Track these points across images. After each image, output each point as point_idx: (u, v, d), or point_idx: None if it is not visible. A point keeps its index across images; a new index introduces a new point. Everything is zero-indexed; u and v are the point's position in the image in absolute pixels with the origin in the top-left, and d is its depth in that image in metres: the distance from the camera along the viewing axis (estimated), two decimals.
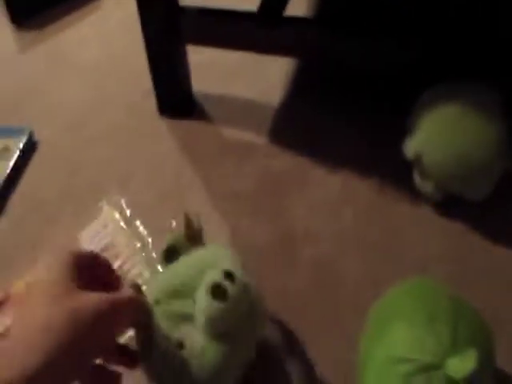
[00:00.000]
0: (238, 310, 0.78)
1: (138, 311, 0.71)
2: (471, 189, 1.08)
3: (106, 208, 1.12)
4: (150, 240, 1.06)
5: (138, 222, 1.09)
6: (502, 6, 1.25)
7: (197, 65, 1.35)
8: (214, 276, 0.77)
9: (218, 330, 0.78)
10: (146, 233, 1.08)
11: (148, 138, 1.31)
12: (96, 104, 1.42)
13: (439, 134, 1.06)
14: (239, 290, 0.78)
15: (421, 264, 1.03)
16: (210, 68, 1.45)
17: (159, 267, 0.98)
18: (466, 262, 1.04)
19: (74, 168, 1.25)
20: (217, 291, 0.76)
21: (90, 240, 1.06)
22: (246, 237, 1.09)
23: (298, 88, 1.41)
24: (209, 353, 0.77)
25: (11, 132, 1.32)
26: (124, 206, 1.13)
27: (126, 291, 0.71)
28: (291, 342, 0.94)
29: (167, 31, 1.22)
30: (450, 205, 1.11)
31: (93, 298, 0.65)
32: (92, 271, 0.72)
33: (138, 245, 1.05)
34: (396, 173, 1.16)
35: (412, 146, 1.08)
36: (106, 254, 0.97)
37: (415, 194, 1.13)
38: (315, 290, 1.01)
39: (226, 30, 1.23)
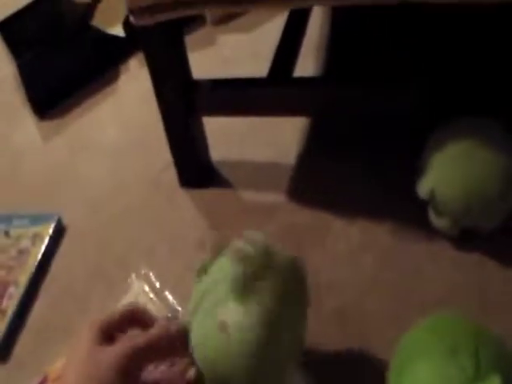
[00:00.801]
0: (262, 271, 0.82)
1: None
2: (485, 221, 1.10)
3: (135, 283, 1.15)
4: (179, 309, 1.09)
5: (167, 293, 1.12)
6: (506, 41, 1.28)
7: (213, 132, 1.39)
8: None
9: (247, 291, 0.81)
10: (175, 302, 1.10)
11: (170, 209, 1.35)
12: (118, 182, 1.46)
13: (451, 171, 1.09)
14: (262, 252, 0.83)
15: (441, 299, 1.04)
16: (226, 134, 1.48)
17: None
18: (485, 292, 1.05)
19: (102, 247, 1.29)
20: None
21: None
22: None
23: (313, 144, 1.44)
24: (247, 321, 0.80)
25: (41, 219, 1.36)
26: (153, 278, 1.16)
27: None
28: None
29: (182, 105, 1.26)
30: (466, 238, 1.12)
31: (113, 353, 0.69)
32: (131, 326, 0.77)
33: (169, 315, 1.08)
34: (412, 213, 1.18)
35: (425, 185, 1.11)
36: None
37: (431, 232, 1.15)
38: (342, 336, 1.03)
39: (239, 98, 1.27)
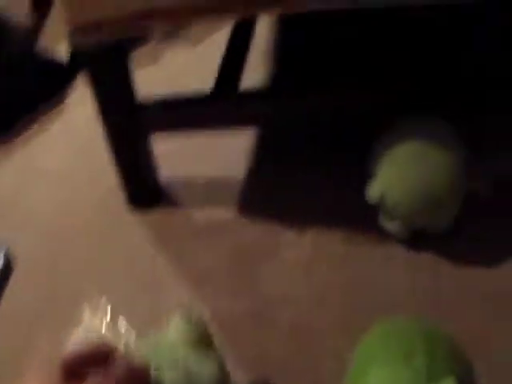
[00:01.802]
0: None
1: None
2: (435, 221, 1.10)
3: (87, 311, 1.12)
4: (133, 334, 1.06)
5: (120, 318, 1.09)
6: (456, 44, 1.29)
7: (160, 151, 1.37)
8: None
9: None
10: (128, 328, 1.08)
11: (120, 232, 1.33)
12: (67, 208, 1.44)
13: (399, 173, 1.09)
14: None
15: (395, 303, 1.04)
16: (174, 152, 1.46)
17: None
18: (439, 293, 1.05)
19: (52, 276, 1.27)
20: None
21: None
22: (225, 314, 1.10)
23: (261, 157, 1.43)
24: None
25: None
26: (105, 305, 1.13)
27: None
28: None
29: (128, 125, 1.25)
30: (417, 240, 1.12)
31: None
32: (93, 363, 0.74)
33: (124, 342, 1.05)
34: (363, 219, 1.17)
35: (374, 189, 1.10)
36: None
37: (383, 236, 1.14)
38: (295, 350, 1.02)
39: (185, 116, 1.26)
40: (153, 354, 0.86)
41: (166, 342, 0.87)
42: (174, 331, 0.87)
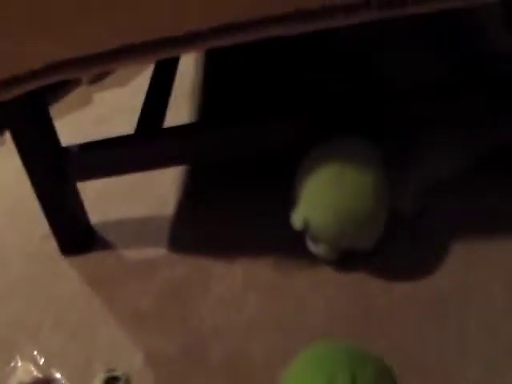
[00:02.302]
0: None
1: None
2: (361, 240, 1.11)
3: (19, 364, 1.11)
4: None
5: (52, 370, 1.08)
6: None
7: (89, 194, 1.38)
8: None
9: None
10: (61, 377, 1.06)
11: (53, 279, 1.31)
12: None
13: (321, 196, 1.09)
14: None
15: (326, 327, 1.04)
16: (103, 195, 1.47)
17: None
18: (368, 310, 1.05)
19: None
20: None
21: None
22: (158, 352, 1.08)
23: (190, 192, 1.44)
24: None
25: None
26: (38, 356, 1.11)
27: None
28: None
29: (53, 172, 1.24)
30: (345, 260, 1.13)
31: None
32: None
33: None
34: (292, 245, 1.18)
35: (298, 215, 1.10)
36: None
37: (312, 261, 1.15)
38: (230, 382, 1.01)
39: (109, 159, 1.25)
40: None
41: None
42: None
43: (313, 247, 1.13)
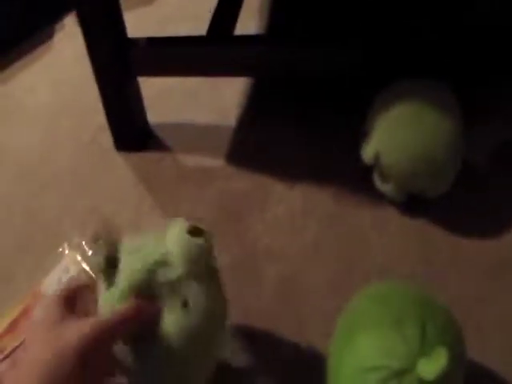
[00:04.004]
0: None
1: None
2: (432, 186, 1.07)
3: (66, 252, 1.09)
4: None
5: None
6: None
7: (150, 93, 1.34)
8: (178, 227, 0.78)
9: (200, 268, 0.78)
10: None
11: (105, 174, 1.29)
12: (50, 147, 1.39)
13: (396, 134, 1.05)
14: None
15: (386, 267, 1.02)
16: (165, 97, 1.44)
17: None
18: (431, 259, 1.03)
19: (32, 216, 1.23)
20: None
21: (52, 287, 1.04)
22: None
23: (253, 107, 1.40)
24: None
25: None
26: (85, 247, 1.10)
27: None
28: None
29: (117, 64, 1.20)
30: (411, 204, 1.10)
31: (76, 331, 0.67)
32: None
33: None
34: (356, 178, 1.15)
35: (370, 149, 1.07)
36: None
37: (376, 198, 1.12)
38: (280, 306, 0.99)
39: (177, 57, 1.21)
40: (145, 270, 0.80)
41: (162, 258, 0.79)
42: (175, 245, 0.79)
43: (380, 185, 1.10)
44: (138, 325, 0.74)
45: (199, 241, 0.77)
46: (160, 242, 0.79)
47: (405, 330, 0.74)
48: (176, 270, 0.76)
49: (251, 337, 0.93)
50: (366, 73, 1.13)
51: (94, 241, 0.80)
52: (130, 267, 0.77)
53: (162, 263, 0.77)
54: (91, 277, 1.01)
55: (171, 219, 0.81)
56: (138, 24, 1.23)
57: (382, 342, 0.74)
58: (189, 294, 0.76)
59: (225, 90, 1.44)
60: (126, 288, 0.75)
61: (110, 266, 0.78)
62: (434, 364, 0.69)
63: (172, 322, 0.75)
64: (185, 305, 0.76)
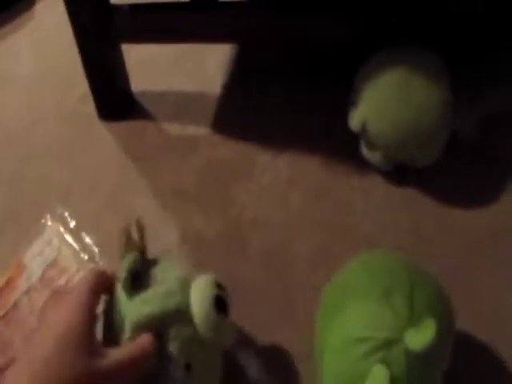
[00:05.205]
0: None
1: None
2: (420, 155, 1.06)
3: (49, 224, 1.08)
4: (96, 250, 1.02)
5: (83, 233, 1.05)
6: None
7: (133, 61, 1.32)
8: (206, 288, 0.78)
9: (221, 341, 0.79)
10: (92, 243, 1.04)
11: (88, 143, 1.27)
12: (33, 116, 1.37)
13: (384, 102, 1.04)
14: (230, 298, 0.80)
15: (375, 236, 1.01)
16: (148, 64, 1.41)
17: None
18: (419, 228, 1.02)
19: (14, 186, 1.22)
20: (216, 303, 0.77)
21: (35, 258, 1.02)
22: (195, 232, 1.07)
23: (239, 75, 1.37)
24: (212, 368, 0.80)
25: None
26: (68, 218, 1.09)
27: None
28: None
29: (99, 31, 1.18)
30: (399, 173, 1.09)
31: (113, 361, 0.66)
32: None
33: (86, 257, 1.01)
34: (344, 147, 1.14)
35: (357, 117, 1.06)
36: (52, 271, 0.95)
37: (363, 167, 1.11)
38: (267, 277, 0.99)
39: (160, 23, 1.19)
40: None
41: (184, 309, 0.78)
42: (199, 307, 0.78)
43: (367, 153, 1.09)
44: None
45: (223, 316, 0.77)
46: (185, 290, 0.79)
47: (393, 301, 0.73)
48: (190, 330, 0.76)
49: (238, 314, 0.92)
50: (354, 41, 1.11)
51: (125, 249, 0.82)
52: (150, 303, 0.76)
53: (181, 316, 0.76)
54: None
55: (199, 271, 0.83)
56: None
57: (369, 312, 0.74)
58: (194, 359, 0.76)
59: (209, 58, 1.42)
60: (139, 323, 0.74)
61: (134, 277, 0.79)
62: (421, 335, 0.68)
63: (170, 379, 0.74)
64: (187, 368, 0.75)
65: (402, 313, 0.72)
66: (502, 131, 1.15)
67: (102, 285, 0.76)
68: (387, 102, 1.03)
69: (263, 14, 1.13)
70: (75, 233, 1.06)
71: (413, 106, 1.01)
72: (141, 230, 0.86)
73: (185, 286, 0.79)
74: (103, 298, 0.78)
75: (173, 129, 1.27)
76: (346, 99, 1.11)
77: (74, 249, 1.03)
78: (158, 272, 0.82)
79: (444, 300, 0.78)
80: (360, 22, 1.08)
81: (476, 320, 0.89)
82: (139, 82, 1.34)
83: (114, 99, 1.31)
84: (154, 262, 0.84)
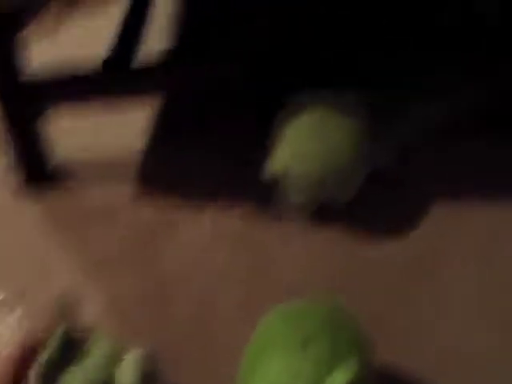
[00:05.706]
0: None
1: None
2: (339, 192, 1.09)
3: None
4: (25, 322, 1.01)
5: (12, 306, 1.04)
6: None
7: (55, 131, 1.31)
8: (134, 364, 0.80)
9: None
10: (20, 315, 1.02)
11: (11, 215, 1.26)
12: None
13: (301, 145, 1.08)
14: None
15: (298, 283, 1.02)
16: (69, 132, 1.41)
17: None
18: (341, 268, 1.04)
19: None
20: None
21: None
22: (122, 299, 1.06)
23: (158, 135, 1.39)
24: None
25: None
26: None
27: None
28: None
29: (17, 103, 1.20)
30: (318, 217, 1.11)
31: None
32: None
33: (14, 329, 1.00)
34: (263, 196, 1.15)
35: (276, 163, 1.08)
36: None
37: (283, 213, 1.12)
38: (192, 339, 0.98)
39: (74, 90, 1.22)
40: None
41: None
42: None
43: (287, 199, 1.10)
44: None
45: None
46: (112, 364, 0.80)
47: (312, 349, 0.74)
48: None
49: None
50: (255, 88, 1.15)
51: (53, 324, 0.83)
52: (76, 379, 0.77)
53: None
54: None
55: (127, 344, 0.84)
56: (43, 55, 1.22)
57: (288, 363, 0.74)
58: None
59: (129, 121, 1.42)
60: None
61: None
62: (341, 378, 0.69)
63: None
64: None
65: (321, 359, 0.73)
66: (416, 160, 1.20)
67: (27, 360, 0.77)
68: (306, 144, 1.07)
69: (175, 68, 1.17)
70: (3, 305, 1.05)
71: (328, 144, 1.05)
72: (68, 304, 0.86)
73: (112, 360, 0.79)
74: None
75: (96, 194, 1.27)
76: (261, 148, 1.14)
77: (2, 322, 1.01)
78: (85, 346, 0.82)
79: (363, 339, 0.79)
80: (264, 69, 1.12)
81: (398, 354, 0.89)
82: (62, 149, 1.34)
83: (37, 170, 1.31)
84: (82, 336, 0.84)
